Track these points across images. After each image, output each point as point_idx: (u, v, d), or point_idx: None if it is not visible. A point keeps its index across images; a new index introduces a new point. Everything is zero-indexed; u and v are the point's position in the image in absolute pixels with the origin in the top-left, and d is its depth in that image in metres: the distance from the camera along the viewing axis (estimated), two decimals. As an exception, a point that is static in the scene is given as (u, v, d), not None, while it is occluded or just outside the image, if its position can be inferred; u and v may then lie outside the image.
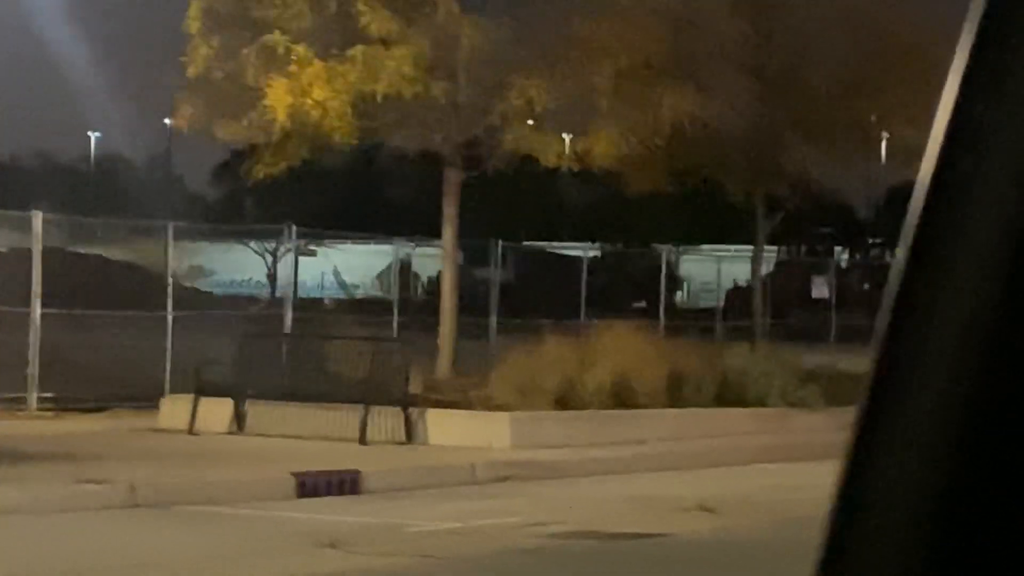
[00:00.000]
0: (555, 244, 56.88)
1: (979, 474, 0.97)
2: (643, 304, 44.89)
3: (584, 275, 37.72)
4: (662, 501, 18.54)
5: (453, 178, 23.97)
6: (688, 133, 28.76)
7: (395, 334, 29.50)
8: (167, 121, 24.12)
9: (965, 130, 1.02)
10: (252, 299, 44.26)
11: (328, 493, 18.20)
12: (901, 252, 1.02)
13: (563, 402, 23.14)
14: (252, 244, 53.29)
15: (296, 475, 18.25)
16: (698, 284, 54.64)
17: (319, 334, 25.92)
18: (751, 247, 31.88)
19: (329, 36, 22.36)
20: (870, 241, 62.15)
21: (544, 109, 22.55)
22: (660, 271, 36.81)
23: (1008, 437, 0.96)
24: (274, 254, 50.36)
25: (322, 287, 52.22)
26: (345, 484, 18.43)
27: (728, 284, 47.95)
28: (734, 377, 25.82)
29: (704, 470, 22.34)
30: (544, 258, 51.71)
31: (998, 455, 0.96)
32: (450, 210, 24.22)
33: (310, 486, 18.13)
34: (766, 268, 60.06)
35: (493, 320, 31.08)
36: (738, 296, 56.68)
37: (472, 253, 51.07)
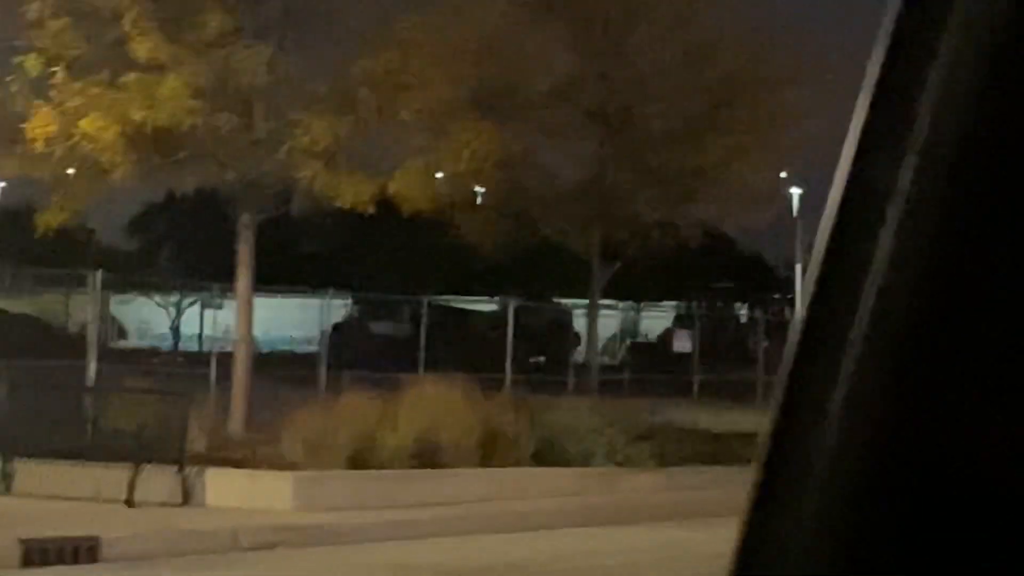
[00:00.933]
0: (465, 298, 55.50)
1: (879, 517, 0.98)
2: (541, 359, 43.64)
3: (483, 330, 36.30)
4: (432, 569, 16.82)
5: (246, 220, 22.19)
6: (517, 174, 27.29)
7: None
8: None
9: (862, 197, 1.03)
10: (154, 351, 43.87)
11: (60, 562, 16.34)
12: (799, 311, 1.03)
13: (359, 461, 21.34)
14: (156, 297, 52.65)
15: (24, 542, 16.36)
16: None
17: (100, 387, 24.02)
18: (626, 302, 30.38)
19: (104, 63, 20.61)
20: (775, 296, 61.12)
21: (337, 146, 20.85)
22: (506, 323, 35.16)
23: (909, 486, 0.97)
24: (178, 307, 49.36)
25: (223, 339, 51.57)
26: (80, 552, 16.55)
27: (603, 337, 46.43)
28: (558, 435, 24.13)
29: (511, 534, 20.63)
30: (445, 312, 50.88)
31: (898, 502, 0.97)
32: (244, 255, 22.41)
33: (38, 554, 16.24)
34: (663, 324, 59.01)
35: (322, 371, 29.25)
36: (638, 351, 55.75)
37: (372, 306, 50.50)
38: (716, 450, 27.70)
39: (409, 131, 21.97)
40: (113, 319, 58.08)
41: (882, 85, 1.03)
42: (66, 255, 42.04)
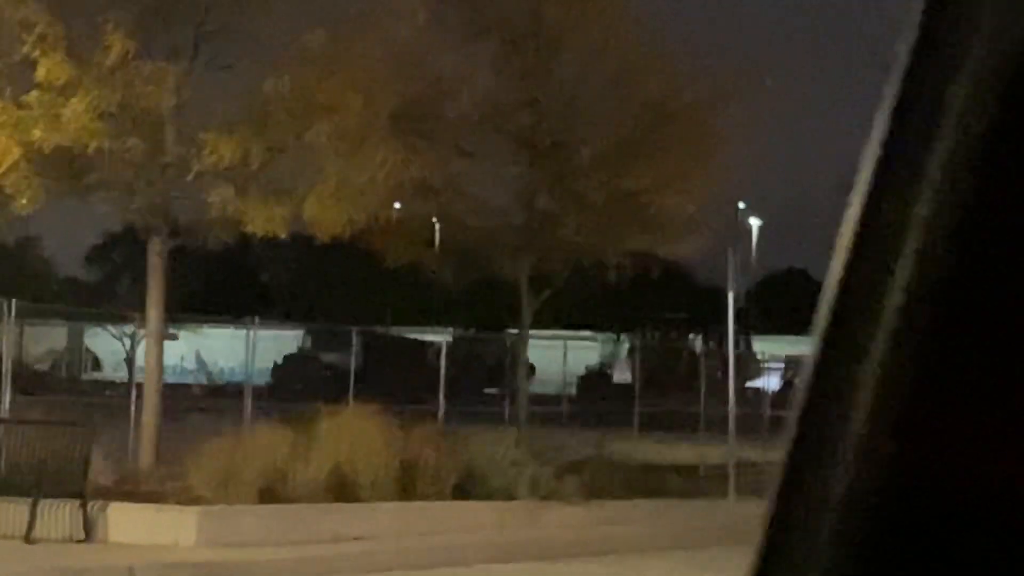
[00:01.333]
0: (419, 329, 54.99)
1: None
2: (495, 391, 43.14)
3: (431, 360, 35.70)
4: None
5: (156, 248, 21.51)
6: (442, 199, 26.70)
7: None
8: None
9: (879, 222, 1.04)
10: (110, 383, 43.69)
11: (-55, 602, 15.64)
12: (815, 340, 1.04)
13: (271, 494, 20.66)
14: (110, 328, 52.67)
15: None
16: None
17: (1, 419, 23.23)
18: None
19: (8, 81, 19.97)
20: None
21: (246, 168, 20.19)
22: (455, 352, 34.48)
23: (931, 510, 0.98)
24: (132, 337, 50.00)
25: (181, 371, 51.79)
26: (-34, 591, 15.86)
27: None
28: (481, 467, 23.49)
29: (426, 571, 20.00)
30: (397, 343, 50.62)
31: (919, 526, 0.98)
32: (155, 287, 21.72)
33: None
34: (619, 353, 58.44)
35: (248, 403, 28.55)
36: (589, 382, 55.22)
37: (323, 337, 50.17)
38: (648, 483, 27.14)
39: (322, 153, 21.31)
40: (87, 350, 57.88)
41: (900, 105, 1.03)
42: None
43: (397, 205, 24.94)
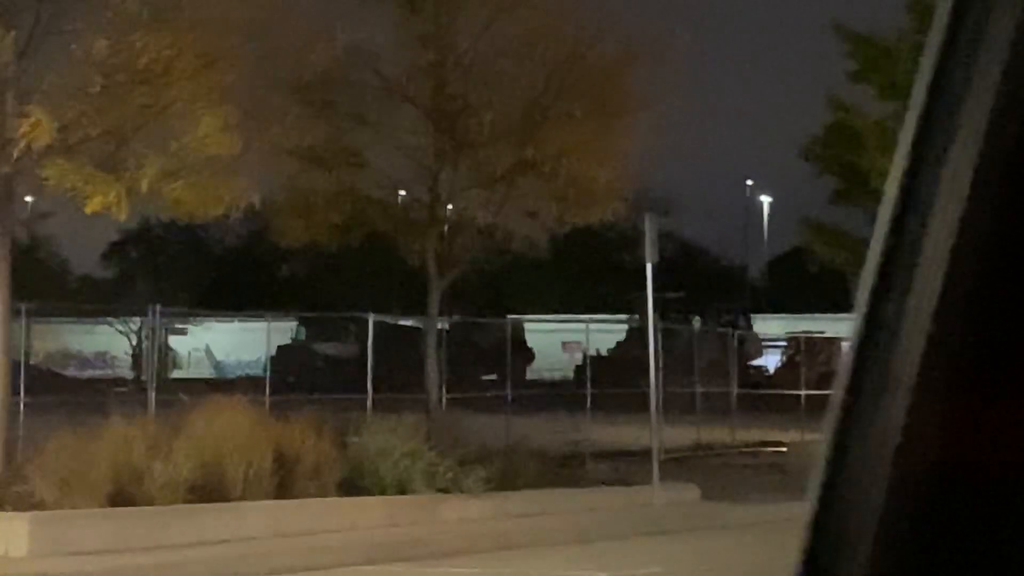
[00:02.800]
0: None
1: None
2: (493, 377, 41.58)
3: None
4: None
5: (-2, 233, 19.66)
6: (343, 173, 24.88)
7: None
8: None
9: (914, 208, 1.06)
10: (116, 381, 42.83)
11: None
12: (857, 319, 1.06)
13: (123, 497, 18.85)
14: (117, 325, 53.11)
15: None
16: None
17: None
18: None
19: None
20: (726, 306, 59.32)
21: (78, 140, 18.39)
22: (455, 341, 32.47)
23: (971, 492, 0.99)
24: (139, 334, 49.68)
25: (188, 365, 52.86)
26: None
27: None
28: (371, 460, 21.67)
29: (298, 574, 18.23)
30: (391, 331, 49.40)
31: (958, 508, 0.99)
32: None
33: None
34: (616, 337, 56.59)
35: (152, 395, 26.63)
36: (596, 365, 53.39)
37: (314, 328, 49.21)
38: (563, 472, 25.37)
39: (183, 123, 19.50)
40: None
41: (934, 94, 1.04)
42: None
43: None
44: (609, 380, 37.33)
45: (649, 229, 24.39)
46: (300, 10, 23.74)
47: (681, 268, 61.20)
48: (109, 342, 54.84)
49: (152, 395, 24.21)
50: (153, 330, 31.37)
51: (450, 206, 25.55)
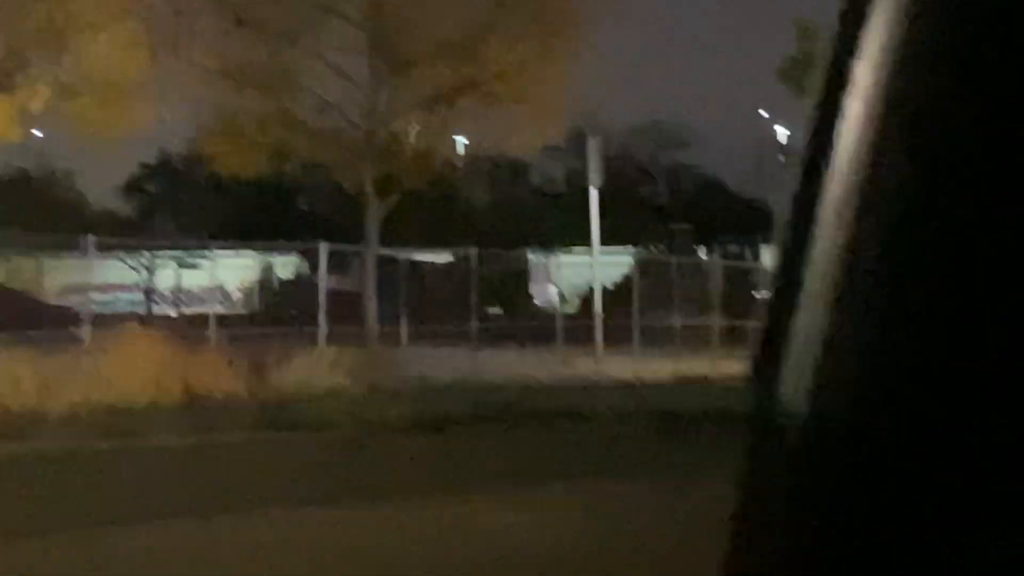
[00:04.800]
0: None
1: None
2: (499, 311, 40.76)
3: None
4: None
5: None
6: (280, 99, 23.76)
7: None
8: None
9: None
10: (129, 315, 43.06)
11: None
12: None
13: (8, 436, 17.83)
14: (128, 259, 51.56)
15: None
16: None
17: None
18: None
19: None
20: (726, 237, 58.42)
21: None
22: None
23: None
24: (148, 268, 49.25)
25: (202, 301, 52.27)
26: None
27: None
28: (290, 396, 20.61)
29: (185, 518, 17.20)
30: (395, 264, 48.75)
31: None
32: None
33: None
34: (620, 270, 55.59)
35: (86, 330, 25.64)
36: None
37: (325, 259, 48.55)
38: (505, 407, 24.30)
39: (82, 40, 18.40)
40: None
41: (829, 92, 1.05)
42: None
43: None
44: (587, 313, 36.56)
45: (592, 154, 23.25)
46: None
47: (699, 201, 61.02)
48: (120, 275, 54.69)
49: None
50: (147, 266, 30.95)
51: (389, 129, 24.45)
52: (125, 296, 54.14)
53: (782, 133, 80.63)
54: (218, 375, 19.81)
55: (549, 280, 41.54)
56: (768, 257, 58.65)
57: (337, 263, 46.94)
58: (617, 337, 36.29)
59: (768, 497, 1.01)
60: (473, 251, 29.11)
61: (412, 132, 24.10)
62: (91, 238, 26.30)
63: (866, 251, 0.99)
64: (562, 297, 38.75)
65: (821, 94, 1.04)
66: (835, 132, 1.01)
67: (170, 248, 27.01)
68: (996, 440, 0.95)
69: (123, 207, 70.35)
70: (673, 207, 53.06)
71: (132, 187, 68.99)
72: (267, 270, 40.67)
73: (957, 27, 0.99)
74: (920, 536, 0.97)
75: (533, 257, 37.36)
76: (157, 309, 46.20)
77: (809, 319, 1.00)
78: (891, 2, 1.00)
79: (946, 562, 0.96)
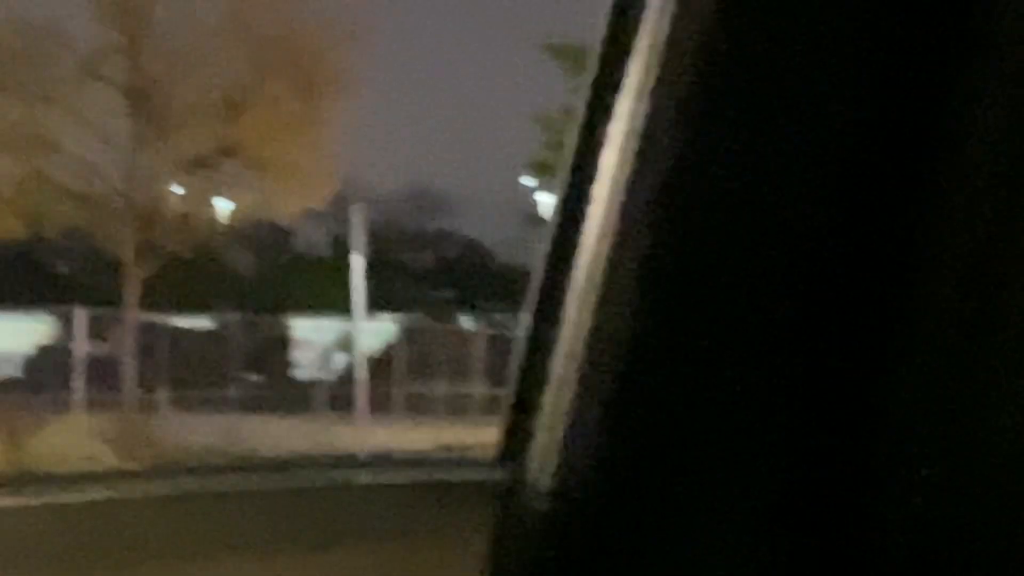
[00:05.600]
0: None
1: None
2: (260, 377, 39.99)
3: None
4: None
5: None
6: (32, 158, 23.23)
7: None
8: None
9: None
10: None
11: None
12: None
13: None
14: None
15: None
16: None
17: None
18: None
19: None
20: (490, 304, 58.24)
21: None
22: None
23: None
24: None
25: None
26: None
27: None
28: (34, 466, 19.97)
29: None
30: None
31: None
32: None
33: None
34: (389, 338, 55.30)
35: None
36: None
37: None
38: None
39: None
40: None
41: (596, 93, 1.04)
42: None
43: None
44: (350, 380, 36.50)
45: (355, 220, 23.19)
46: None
47: (463, 267, 61.33)
48: None
49: None
50: None
51: (150, 194, 24.00)
52: None
53: (544, 201, 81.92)
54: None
55: (311, 347, 41.34)
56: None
57: (97, 328, 46.07)
58: (380, 405, 36.26)
59: (512, 570, 0.99)
60: (235, 316, 28.75)
61: (173, 196, 23.68)
62: None
63: (608, 336, 0.96)
64: (324, 363, 38.57)
65: (590, 94, 1.04)
66: (603, 135, 0.98)
67: None
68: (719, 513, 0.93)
69: None
70: (437, 274, 53.26)
71: None
72: (22, 335, 39.77)
73: (720, 29, 0.95)
74: None
75: (295, 323, 37.16)
76: None
77: (554, 399, 0.97)
78: (656, 4, 0.97)
79: None
